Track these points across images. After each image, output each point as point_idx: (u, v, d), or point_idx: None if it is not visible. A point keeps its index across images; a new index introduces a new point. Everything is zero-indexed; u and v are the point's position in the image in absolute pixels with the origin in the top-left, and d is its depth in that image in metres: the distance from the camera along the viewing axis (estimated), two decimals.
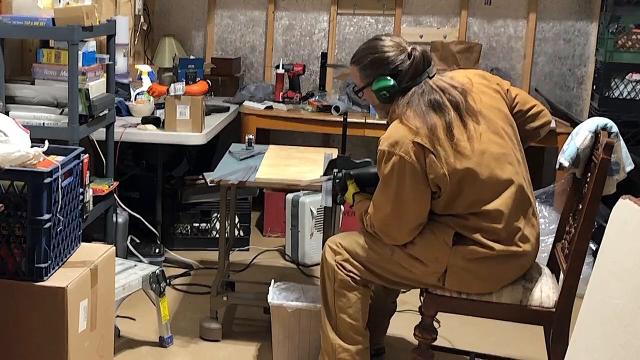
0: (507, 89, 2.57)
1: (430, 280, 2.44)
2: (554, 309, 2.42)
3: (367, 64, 2.48)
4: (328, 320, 2.59)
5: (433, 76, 2.46)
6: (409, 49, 2.45)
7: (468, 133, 2.36)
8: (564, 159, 2.48)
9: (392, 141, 2.34)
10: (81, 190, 2.51)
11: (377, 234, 2.48)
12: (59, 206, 2.22)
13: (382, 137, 2.41)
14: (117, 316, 2.94)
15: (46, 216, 2.16)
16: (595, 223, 2.52)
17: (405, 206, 2.36)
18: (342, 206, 3.80)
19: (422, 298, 2.53)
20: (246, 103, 4.46)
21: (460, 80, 2.48)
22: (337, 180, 2.68)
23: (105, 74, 3.27)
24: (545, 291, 2.46)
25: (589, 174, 2.44)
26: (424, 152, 2.31)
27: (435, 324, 2.52)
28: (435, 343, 2.57)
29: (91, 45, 3.12)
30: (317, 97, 4.54)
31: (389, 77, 2.43)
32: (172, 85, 3.55)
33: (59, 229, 2.23)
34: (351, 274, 2.53)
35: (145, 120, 3.68)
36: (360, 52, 2.52)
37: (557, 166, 2.51)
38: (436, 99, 2.38)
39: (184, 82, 3.61)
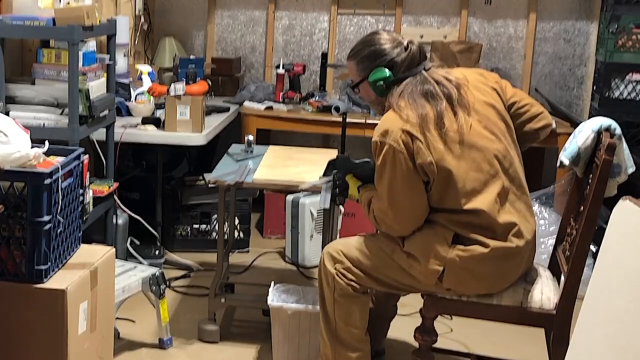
0: (505, 87, 2.57)
1: (430, 281, 2.42)
2: (554, 311, 2.42)
3: (364, 56, 2.49)
4: (327, 327, 2.56)
5: (429, 69, 2.47)
6: (405, 42, 2.47)
7: (458, 124, 2.37)
8: (564, 156, 2.48)
9: (383, 130, 2.36)
10: (81, 191, 2.50)
11: (378, 224, 2.47)
12: (59, 207, 2.21)
13: (376, 127, 2.42)
14: (117, 318, 2.93)
15: (46, 217, 2.15)
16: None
17: (399, 195, 2.37)
18: (341, 207, 3.79)
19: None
20: (246, 103, 4.45)
21: (456, 75, 2.50)
22: (338, 182, 2.67)
23: (105, 74, 3.26)
24: (545, 293, 2.45)
25: (591, 175, 2.44)
26: (412, 140, 2.32)
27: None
28: (435, 345, 2.56)
29: (91, 45, 3.12)
30: (317, 98, 4.54)
31: (384, 68, 2.44)
32: (172, 85, 3.54)
33: (59, 231, 2.22)
34: (352, 283, 2.50)
35: (146, 121, 3.68)
36: (357, 47, 2.53)
37: (557, 164, 2.51)
38: (429, 89, 2.40)
39: (184, 82, 3.60)
